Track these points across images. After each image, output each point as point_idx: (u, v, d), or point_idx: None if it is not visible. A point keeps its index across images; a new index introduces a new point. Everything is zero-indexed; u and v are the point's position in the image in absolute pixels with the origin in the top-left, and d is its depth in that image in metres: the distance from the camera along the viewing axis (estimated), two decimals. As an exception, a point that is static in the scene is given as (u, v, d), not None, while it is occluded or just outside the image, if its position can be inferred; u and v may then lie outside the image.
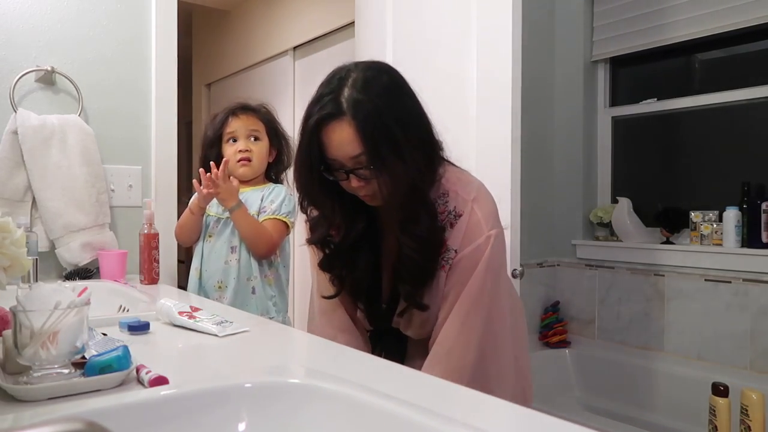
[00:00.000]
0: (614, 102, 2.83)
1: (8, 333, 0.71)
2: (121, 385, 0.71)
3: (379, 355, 1.07)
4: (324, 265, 1.14)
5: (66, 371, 0.70)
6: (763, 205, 2.19)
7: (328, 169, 1.02)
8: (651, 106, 2.66)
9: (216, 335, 0.98)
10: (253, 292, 1.63)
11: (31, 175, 1.65)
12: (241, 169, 1.67)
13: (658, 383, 2.37)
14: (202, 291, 1.65)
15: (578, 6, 2.77)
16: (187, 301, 1.14)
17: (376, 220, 1.13)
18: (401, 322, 1.13)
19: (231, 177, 1.62)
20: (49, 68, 1.71)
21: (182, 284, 1.89)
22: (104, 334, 0.87)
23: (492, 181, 1.23)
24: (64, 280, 1.62)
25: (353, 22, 2.38)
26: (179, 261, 2.02)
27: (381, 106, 0.97)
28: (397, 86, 1.03)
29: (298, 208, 1.17)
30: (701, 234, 2.34)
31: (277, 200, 1.66)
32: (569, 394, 2.61)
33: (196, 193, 1.62)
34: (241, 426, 0.65)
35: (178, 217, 1.77)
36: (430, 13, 1.96)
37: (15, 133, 1.64)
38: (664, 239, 2.47)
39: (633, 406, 2.42)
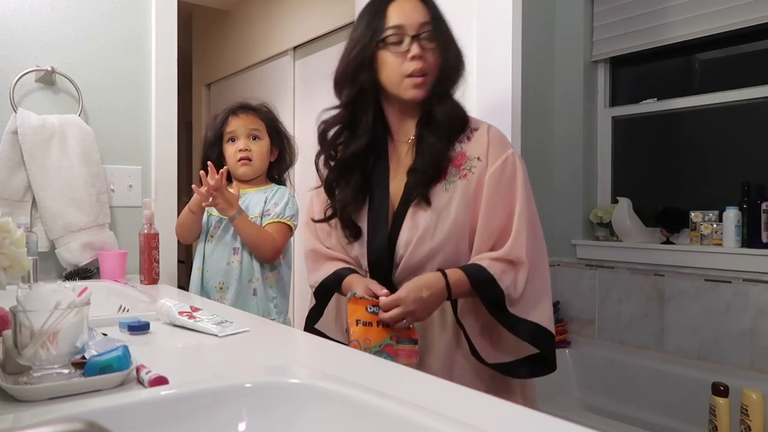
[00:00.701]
0: (614, 102, 2.83)
1: (8, 333, 0.71)
2: (121, 385, 0.71)
3: None
4: (328, 181, 1.27)
5: (66, 371, 0.70)
6: (763, 205, 2.19)
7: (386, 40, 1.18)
8: (651, 106, 2.66)
9: (216, 335, 0.98)
10: (255, 293, 1.63)
11: (31, 175, 1.65)
12: (241, 168, 1.67)
13: (658, 383, 2.37)
14: (203, 291, 1.64)
15: (578, 6, 2.77)
16: (187, 301, 1.14)
17: (387, 162, 1.25)
18: (402, 237, 1.18)
19: (230, 185, 1.60)
20: (49, 68, 1.71)
21: (182, 284, 1.89)
22: (104, 334, 0.87)
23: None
24: (64, 280, 1.62)
25: (353, 22, 2.37)
26: (179, 261, 2.02)
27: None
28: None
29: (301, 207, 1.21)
30: (701, 234, 2.33)
31: (281, 203, 1.66)
32: (569, 393, 2.60)
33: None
34: (241, 426, 0.65)
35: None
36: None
37: (15, 133, 1.64)
38: (664, 239, 2.47)
39: (633, 406, 2.41)
